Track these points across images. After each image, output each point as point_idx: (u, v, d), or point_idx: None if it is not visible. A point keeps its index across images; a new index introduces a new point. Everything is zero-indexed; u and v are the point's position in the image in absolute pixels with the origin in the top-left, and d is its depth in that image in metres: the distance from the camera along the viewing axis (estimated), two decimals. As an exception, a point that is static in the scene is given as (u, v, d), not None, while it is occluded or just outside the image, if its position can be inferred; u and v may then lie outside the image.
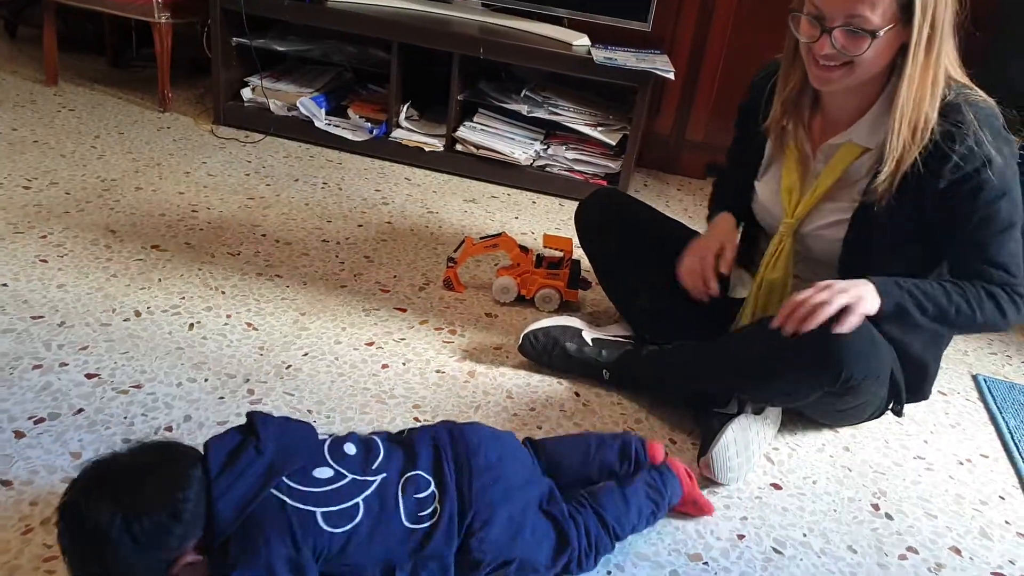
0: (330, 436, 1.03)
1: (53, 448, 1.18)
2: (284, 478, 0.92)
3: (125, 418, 1.26)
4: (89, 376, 1.34)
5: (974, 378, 1.71)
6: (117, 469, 0.89)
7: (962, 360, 1.78)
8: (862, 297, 1.13)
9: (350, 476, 0.96)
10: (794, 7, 1.19)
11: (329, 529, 0.90)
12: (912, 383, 1.35)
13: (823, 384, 1.20)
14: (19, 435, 1.20)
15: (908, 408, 1.43)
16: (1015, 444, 1.47)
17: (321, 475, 0.94)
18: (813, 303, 1.12)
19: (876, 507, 1.30)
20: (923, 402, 1.47)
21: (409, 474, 0.99)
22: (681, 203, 2.49)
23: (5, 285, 1.55)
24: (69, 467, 1.15)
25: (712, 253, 1.40)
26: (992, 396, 1.61)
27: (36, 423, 1.23)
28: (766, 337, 1.21)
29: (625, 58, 2.20)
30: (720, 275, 1.40)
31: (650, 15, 2.23)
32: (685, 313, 1.46)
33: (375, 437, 1.05)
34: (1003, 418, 1.54)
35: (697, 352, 1.39)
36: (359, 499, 0.94)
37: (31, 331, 1.43)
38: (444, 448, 1.03)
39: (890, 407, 1.37)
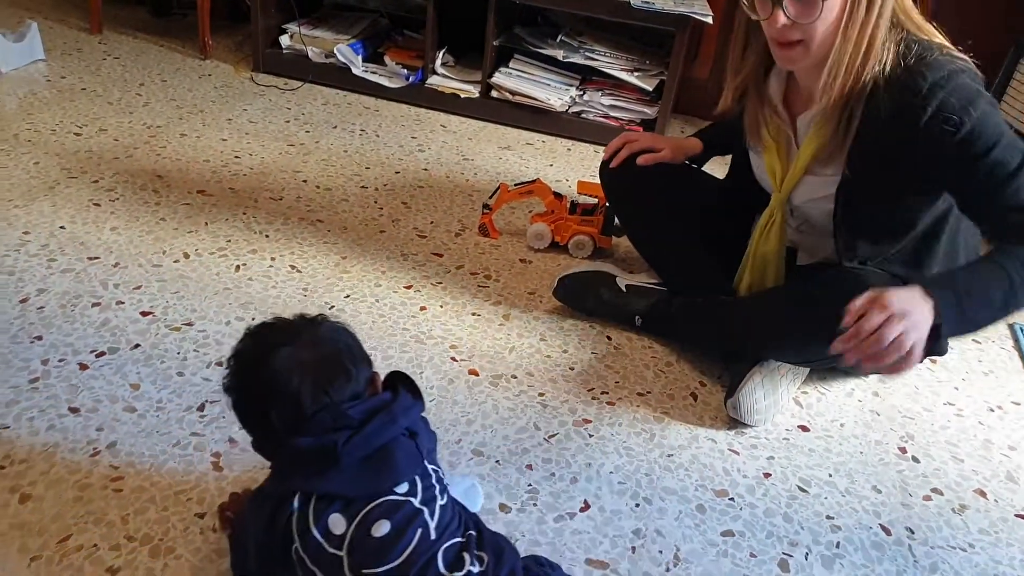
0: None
1: (114, 380, 1.26)
2: None
3: (178, 353, 1.33)
4: (144, 314, 1.42)
5: (1011, 327, 1.70)
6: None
7: (998, 309, 1.77)
8: (919, 326, 1.01)
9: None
10: None
11: None
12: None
13: None
14: (83, 367, 1.28)
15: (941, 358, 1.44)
16: (1047, 392, 1.48)
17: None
18: (882, 340, 0.99)
19: (903, 450, 1.32)
20: (951, 351, 1.47)
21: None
22: (718, 151, 2.47)
23: (63, 228, 1.62)
24: (129, 397, 1.23)
25: (647, 143, 1.51)
26: (1027, 344, 1.61)
27: (97, 356, 1.31)
28: (792, 306, 1.26)
29: (663, 2, 2.17)
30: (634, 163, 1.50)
31: (690, -43, 2.19)
32: (711, 266, 1.47)
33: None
34: (1037, 366, 1.55)
35: (724, 312, 1.42)
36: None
37: (88, 271, 1.51)
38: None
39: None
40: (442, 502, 0.88)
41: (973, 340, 1.63)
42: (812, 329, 1.21)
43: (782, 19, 1.11)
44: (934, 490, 1.25)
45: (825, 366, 1.39)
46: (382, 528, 0.81)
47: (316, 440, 0.83)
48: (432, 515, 0.85)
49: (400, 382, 0.93)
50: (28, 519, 1.02)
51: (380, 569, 0.80)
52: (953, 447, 1.34)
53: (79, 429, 1.17)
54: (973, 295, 1.07)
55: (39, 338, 1.33)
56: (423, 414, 0.93)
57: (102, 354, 1.31)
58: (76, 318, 1.38)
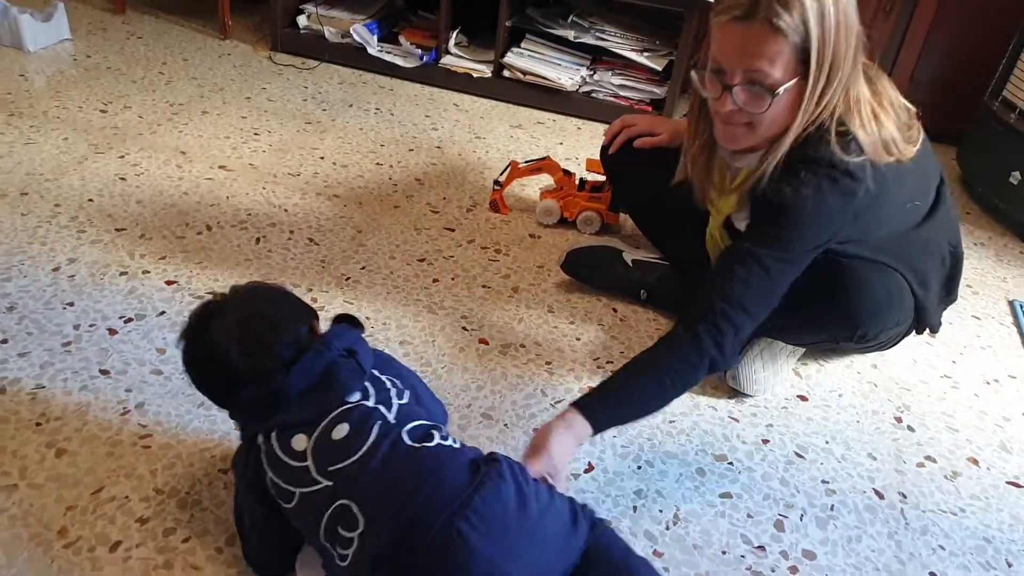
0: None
1: (141, 344, 1.33)
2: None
3: (202, 321, 1.39)
4: (168, 283, 1.48)
5: (1011, 303, 1.73)
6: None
7: (999, 286, 1.80)
8: (556, 466, 1.03)
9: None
10: (698, 64, 1.14)
11: None
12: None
13: (840, 339, 1.29)
14: (112, 332, 1.34)
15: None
16: (1044, 366, 1.51)
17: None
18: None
19: (899, 419, 1.37)
20: (950, 326, 1.50)
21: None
22: (728, 131, 2.50)
23: (91, 200, 1.69)
24: (156, 360, 1.29)
25: (644, 127, 1.52)
26: (1026, 321, 1.64)
27: (126, 322, 1.37)
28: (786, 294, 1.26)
29: (675, -18, 2.19)
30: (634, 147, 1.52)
31: (702, -63, 2.20)
32: (700, 245, 1.50)
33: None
34: (1035, 342, 1.58)
35: None
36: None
37: (116, 242, 1.57)
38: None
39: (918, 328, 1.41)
40: (402, 401, 0.95)
41: (972, 316, 1.67)
42: (800, 316, 1.25)
43: (730, 105, 1.09)
44: (927, 457, 1.29)
45: (819, 349, 1.43)
46: (341, 430, 0.89)
47: (257, 388, 0.90)
48: (389, 410, 0.92)
49: (340, 320, 1.00)
50: (64, 472, 1.09)
51: (346, 462, 0.87)
52: (948, 417, 1.38)
53: (109, 390, 1.23)
54: (625, 405, 1.11)
55: (71, 304, 1.39)
56: (365, 339, 1.00)
57: (130, 320, 1.38)
58: (105, 286, 1.45)
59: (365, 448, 0.87)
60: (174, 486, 1.09)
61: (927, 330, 1.40)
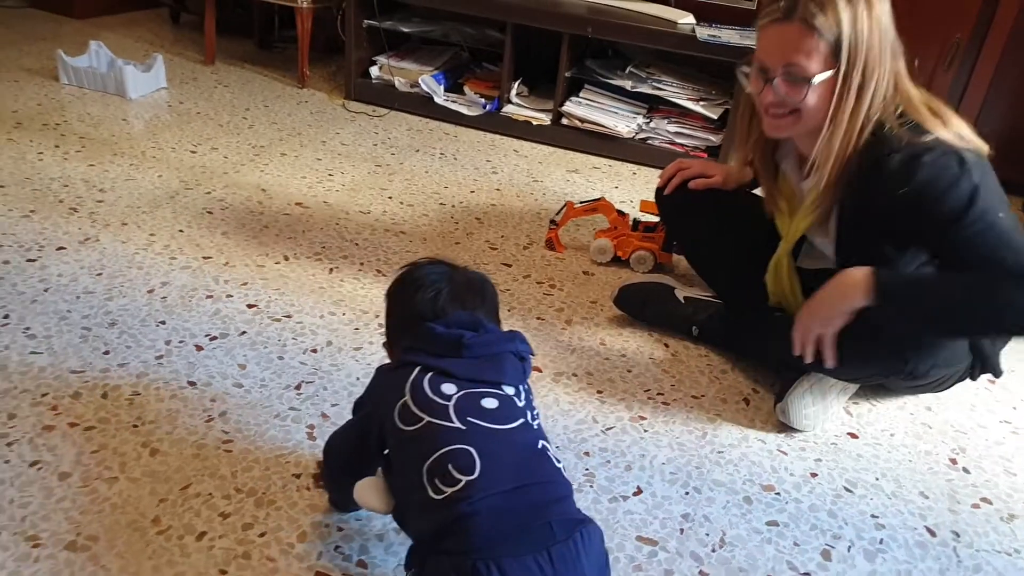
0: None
1: (224, 360, 1.44)
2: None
3: (279, 340, 1.50)
4: (249, 306, 1.60)
5: (1069, 353, 1.72)
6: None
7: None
8: (824, 321, 1.24)
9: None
10: (743, 63, 1.28)
11: None
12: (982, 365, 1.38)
13: (890, 374, 1.32)
14: (199, 348, 1.46)
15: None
16: (1101, 413, 1.50)
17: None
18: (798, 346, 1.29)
19: (953, 461, 1.38)
20: (1012, 373, 1.51)
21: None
22: (781, 179, 2.56)
23: (181, 231, 1.84)
24: (237, 375, 1.40)
25: (698, 170, 1.58)
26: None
27: (211, 340, 1.49)
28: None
29: (728, 35, 2.29)
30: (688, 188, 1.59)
31: (756, -6, 2.31)
32: (760, 283, 1.56)
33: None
34: (1094, 390, 1.57)
35: (776, 329, 1.47)
36: None
37: (203, 268, 1.70)
38: None
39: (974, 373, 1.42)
40: (537, 421, 0.99)
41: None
42: (850, 352, 1.28)
43: (771, 96, 1.22)
44: (983, 499, 1.30)
45: (867, 384, 1.46)
46: (490, 403, 0.95)
47: (449, 330, 0.99)
48: (532, 419, 0.97)
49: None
50: (157, 469, 1.19)
51: (486, 423, 0.92)
52: (1006, 461, 1.39)
53: (196, 399, 1.34)
54: (927, 285, 1.19)
55: (163, 322, 1.52)
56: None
57: (215, 338, 1.49)
58: (193, 307, 1.57)
59: (506, 426, 0.93)
60: (252, 486, 1.18)
61: (988, 374, 1.41)
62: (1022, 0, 2.24)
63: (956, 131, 1.18)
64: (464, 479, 0.87)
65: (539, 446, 0.94)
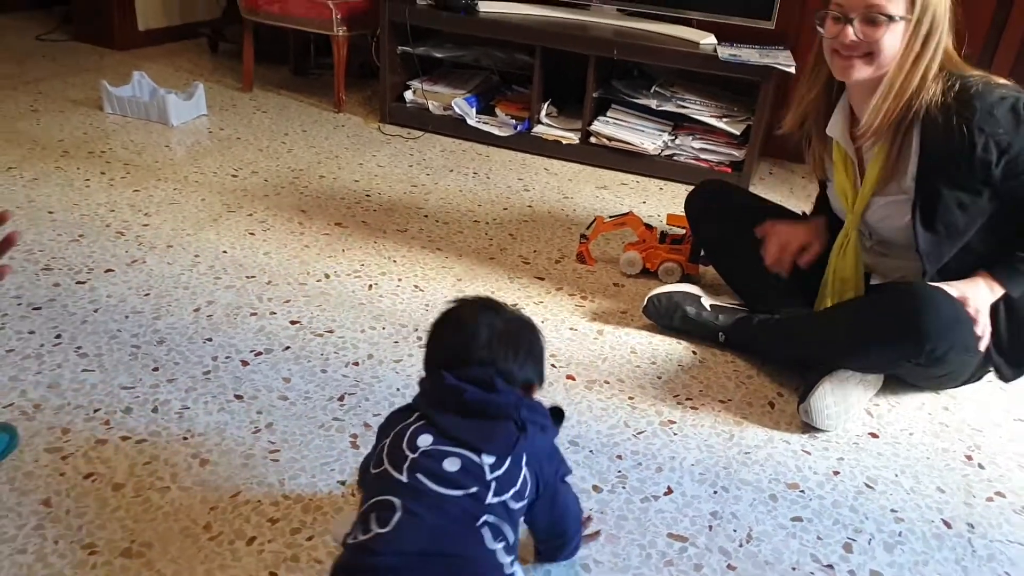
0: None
1: (269, 374, 1.52)
2: None
3: (322, 354, 1.58)
4: (292, 322, 1.68)
5: (1094, 355, 1.74)
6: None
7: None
8: (984, 305, 1.35)
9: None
10: (819, 10, 1.36)
11: None
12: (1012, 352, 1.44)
13: (909, 357, 1.35)
14: (244, 363, 1.54)
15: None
16: None
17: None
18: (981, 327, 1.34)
19: (969, 457, 1.41)
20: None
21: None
22: (804, 190, 2.59)
23: (225, 252, 1.94)
24: (282, 388, 1.48)
25: (798, 244, 1.60)
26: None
27: (256, 355, 1.57)
28: (856, 316, 1.40)
29: (749, 54, 2.34)
30: (796, 264, 1.60)
31: (774, 13, 2.37)
32: (790, 291, 1.62)
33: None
34: (1118, 391, 1.59)
35: (798, 326, 1.55)
36: None
37: (247, 287, 1.80)
38: None
39: (992, 371, 1.46)
40: (508, 498, 0.93)
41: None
42: (870, 336, 1.35)
43: (851, 35, 1.30)
44: (997, 493, 1.33)
45: (888, 371, 1.50)
46: (452, 464, 0.92)
47: (456, 383, 0.96)
48: (496, 495, 0.92)
49: (555, 410, 1.05)
50: (207, 478, 1.26)
51: (429, 484, 0.90)
52: (1020, 457, 1.42)
53: (243, 412, 1.42)
54: None
55: (209, 339, 1.61)
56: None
57: (260, 353, 1.58)
58: (238, 324, 1.66)
59: (449, 492, 0.90)
60: (299, 493, 1.24)
61: (1002, 376, 1.46)
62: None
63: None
64: (376, 531, 0.88)
65: (479, 521, 0.90)
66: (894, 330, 1.33)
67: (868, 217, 1.47)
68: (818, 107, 1.48)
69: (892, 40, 1.29)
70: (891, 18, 1.27)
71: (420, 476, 0.91)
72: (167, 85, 2.88)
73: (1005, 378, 1.48)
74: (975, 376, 1.47)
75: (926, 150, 1.33)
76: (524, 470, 0.96)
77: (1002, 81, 1.30)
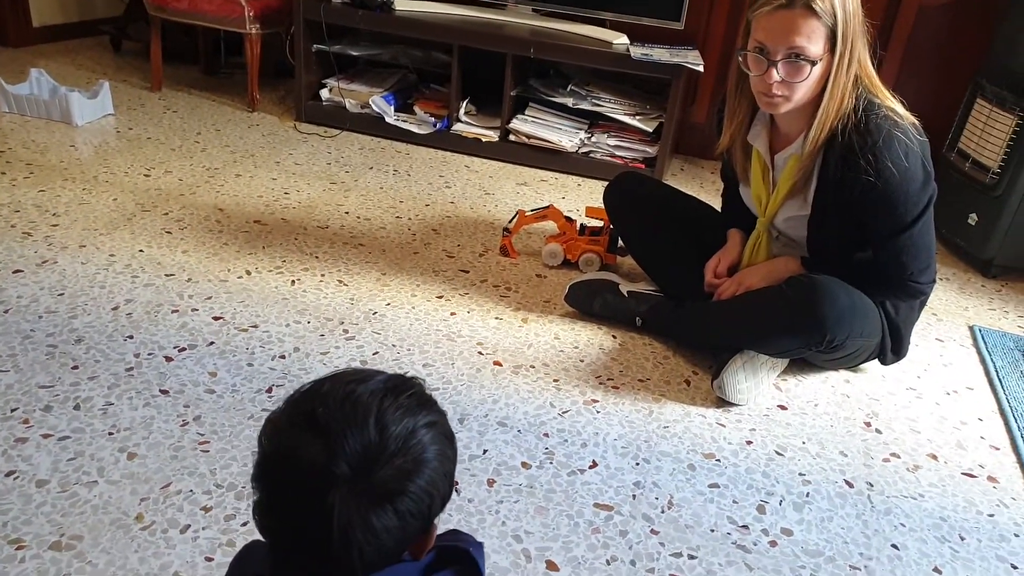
0: None
1: (195, 369, 1.50)
2: None
3: (247, 349, 1.57)
4: (216, 318, 1.66)
5: (971, 328, 1.91)
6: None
7: (962, 314, 1.99)
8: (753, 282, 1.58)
9: None
10: (740, 46, 1.41)
11: None
12: (893, 344, 1.58)
13: (811, 345, 1.48)
14: (168, 359, 1.52)
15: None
16: (999, 379, 1.68)
17: None
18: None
19: (868, 424, 1.53)
20: (916, 347, 1.70)
21: None
22: (714, 185, 2.72)
23: (142, 251, 1.89)
24: (209, 382, 1.47)
25: (727, 265, 1.70)
26: (984, 342, 1.82)
27: (180, 351, 1.55)
28: (761, 308, 1.51)
29: (660, 54, 2.46)
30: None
31: (682, 15, 2.49)
32: (698, 277, 1.72)
33: None
34: (991, 359, 1.75)
35: (709, 314, 1.65)
36: None
37: (167, 285, 1.76)
38: None
39: (876, 358, 1.60)
40: None
41: (936, 339, 1.85)
42: (775, 327, 1.48)
43: (775, 76, 1.35)
44: (892, 454, 1.45)
45: (792, 357, 1.61)
46: None
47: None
48: None
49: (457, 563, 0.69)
50: (136, 471, 1.25)
51: None
52: (912, 422, 1.55)
53: (169, 406, 1.40)
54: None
55: (131, 337, 1.57)
56: None
57: (184, 349, 1.56)
58: (159, 321, 1.63)
59: None
60: (231, 482, 1.24)
61: (896, 356, 1.59)
62: (916, 11, 2.48)
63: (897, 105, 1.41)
64: None
65: None
66: (796, 321, 1.44)
67: (777, 222, 1.59)
68: (744, 124, 1.55)
69: (815, 75, 1.34)
70: (814, 63, 1.32)
71: None
72: (68, 83, 2.77)
73: (885, 363, 1.63)
74: (871, 357, 1.60)
75: (823, 171, 1.43)
76: None
77: (900, 111, 1.39)
